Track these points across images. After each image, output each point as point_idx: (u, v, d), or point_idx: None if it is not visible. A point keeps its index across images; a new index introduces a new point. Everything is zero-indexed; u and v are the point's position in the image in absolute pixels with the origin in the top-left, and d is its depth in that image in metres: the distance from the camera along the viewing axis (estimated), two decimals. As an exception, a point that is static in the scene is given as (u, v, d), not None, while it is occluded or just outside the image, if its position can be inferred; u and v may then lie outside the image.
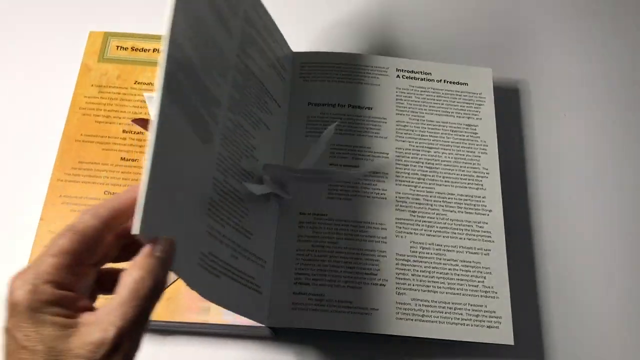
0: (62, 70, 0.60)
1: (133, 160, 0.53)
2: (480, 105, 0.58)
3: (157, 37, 0.59)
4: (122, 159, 0.53)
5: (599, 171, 0.60)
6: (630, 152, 0.61)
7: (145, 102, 0.56)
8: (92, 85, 0.56)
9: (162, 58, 0.35)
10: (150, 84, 0.57)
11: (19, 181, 0.56)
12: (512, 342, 0.48)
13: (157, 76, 0.35)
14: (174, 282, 0.47)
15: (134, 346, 0.31)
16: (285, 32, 0.56)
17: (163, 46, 0.35)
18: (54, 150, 0.53)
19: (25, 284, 0.30)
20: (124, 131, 0.54)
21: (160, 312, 0.47)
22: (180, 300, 0.47)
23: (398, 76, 0.59)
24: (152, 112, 0.34)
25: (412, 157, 0.55)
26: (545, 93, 0.63)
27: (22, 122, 0.59)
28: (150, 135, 0.33)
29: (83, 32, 0.59)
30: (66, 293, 0.30)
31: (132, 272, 0.31)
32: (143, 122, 0.53)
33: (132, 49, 0.59)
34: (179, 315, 0.47)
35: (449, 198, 0.53)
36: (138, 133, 0.54)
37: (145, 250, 0.32)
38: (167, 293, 0.48)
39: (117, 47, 0.59)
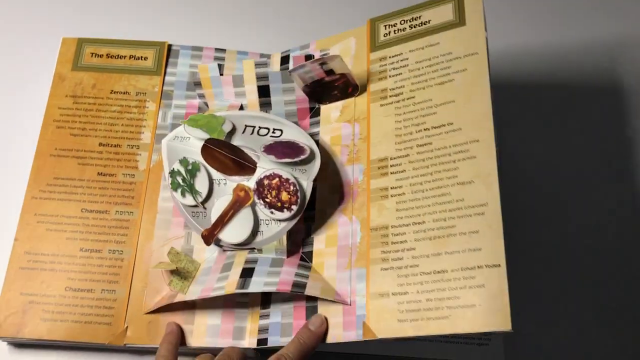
0: (34, 79, 0.58)
1: (110, 175, 0.51)
2: None
3: (133, 43, 0.57)
4: (99, 174, 0.51)
5: (601, 180, 0.58)
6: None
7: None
8: (67, 96, 0.54)
9: None
10: (127, 92, 0.55)
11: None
12: (503, 360, 0.47)
13: None
14: None
15: None
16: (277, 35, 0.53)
17: None
18: (28, 166, 0.51)
19: None
20: (100, 144, 0.53)
21: (141, 336, 0.46)
22: (160, 325, 0.46)
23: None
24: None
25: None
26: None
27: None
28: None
29: (55, 38, 0.57)
30: None
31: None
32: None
33: (108, 55, 0.56)
34: (160, 340, 0.45)
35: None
36: (115, 146, 0.52)
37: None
38: (149, 317, 0.46)
39: (92, 54, 0.56)
